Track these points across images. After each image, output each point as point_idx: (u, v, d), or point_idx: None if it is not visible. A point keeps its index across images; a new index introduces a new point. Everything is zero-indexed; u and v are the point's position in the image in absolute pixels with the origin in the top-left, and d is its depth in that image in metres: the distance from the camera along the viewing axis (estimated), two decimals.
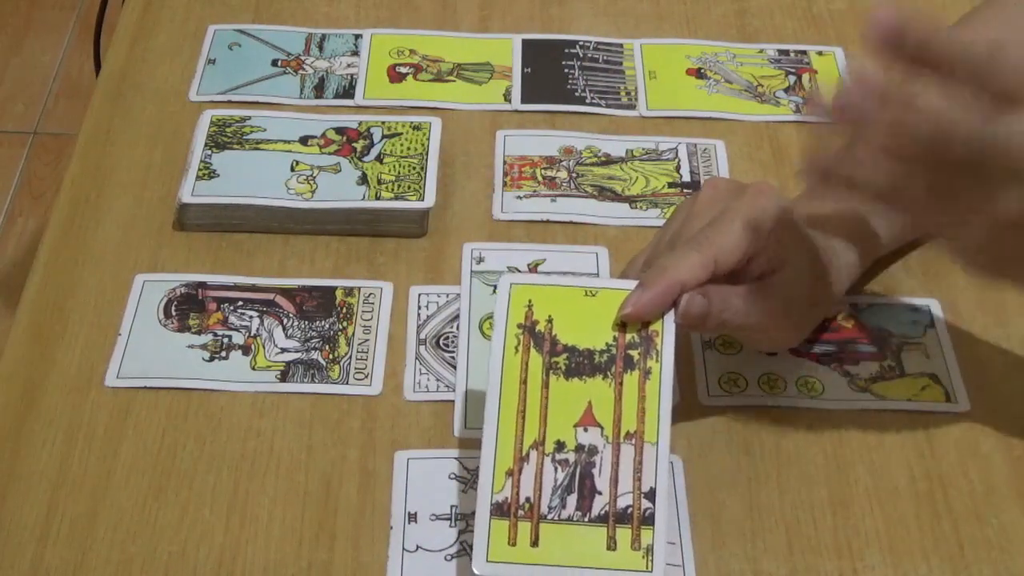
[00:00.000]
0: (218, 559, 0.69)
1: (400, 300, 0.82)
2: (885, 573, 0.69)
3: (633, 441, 0.66)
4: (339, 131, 0.92)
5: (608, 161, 0.92)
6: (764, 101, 0.97)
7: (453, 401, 0.77)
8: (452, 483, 0.73)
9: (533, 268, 0.84)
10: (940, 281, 0.84)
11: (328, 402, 0.77)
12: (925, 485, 0.73)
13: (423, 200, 0.86)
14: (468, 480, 0.73)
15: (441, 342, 0.80)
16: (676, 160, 0.92)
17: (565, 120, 0.95)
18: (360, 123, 0.92)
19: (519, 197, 0.89)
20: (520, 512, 0.65)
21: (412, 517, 0.71)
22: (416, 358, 0.79)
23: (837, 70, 0.99)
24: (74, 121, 2.16)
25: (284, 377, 0.78)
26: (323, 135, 0.91)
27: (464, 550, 0.69)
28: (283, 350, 0.79)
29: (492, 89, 0.97)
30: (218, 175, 0.88)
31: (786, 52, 1.01)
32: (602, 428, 0.67)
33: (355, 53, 1.00)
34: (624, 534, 0.65)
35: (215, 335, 0.80)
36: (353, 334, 0.80)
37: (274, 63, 0.99)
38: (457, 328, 0.81)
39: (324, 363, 0.78)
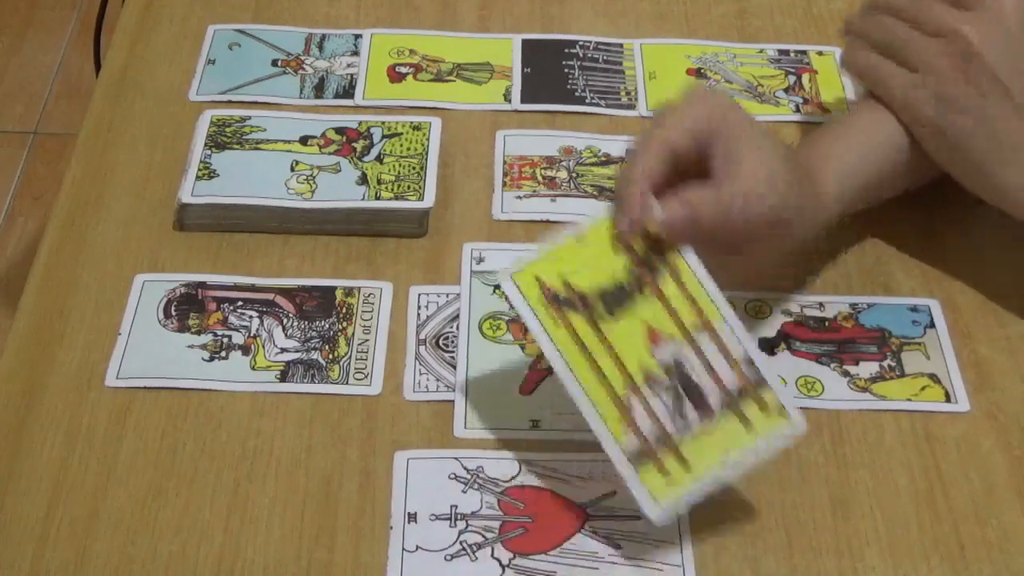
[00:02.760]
0: (218, 559, 0.69)
1: (400, 300, 0.82)
2: (885, 573, 0.69)
3: (704, 330, 0.69)
4: (339, 131, 0.92)
5: (608, 161, 0.92)
6: (764, 101, 0.97)
7: (453, 401, 0.77)
8: (452, 483, 0.73)
9: None
10: (940, 281, 0.84)
11: (328, 402, 0.77)
12: (925, 485, 0.73)
13: (423, 200, 0.86)
14: (468, 480, 0.73)
15: (441, 342, 0.80)
16: None
17: (565, 120, 0.95)
18: (360, 123, 0.92)
19: (519, 197, 0.89)
20: (656, 448, 0.68)
21: (412, 517, 0.71)
22: (416, 358, 0.79)
23: (837, 70, 0.99)
24: (74, 121, 2.16)
25: (284, 377, 0.78)
26: (323, 135, 0.91)
27: (464, 550, 0.69)
28: (283, 350, 0.79)
29: (492, 89, 0.97)
30: (218, 175, 0.88)
31: (786, 52, 1.01)
32: (672, 337, 0.69)
33: (355, 53, 1.00)
34: (750, 407, 0.69)
35: (215, 335, 0.80)
36: (353, 334, 0.80)
37: (274, 63, 0.99)
38: (457, 328, 0.81)
39: (324, 363, 0.78)
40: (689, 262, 0.71)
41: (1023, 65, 0.78)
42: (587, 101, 0.96)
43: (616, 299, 0.69)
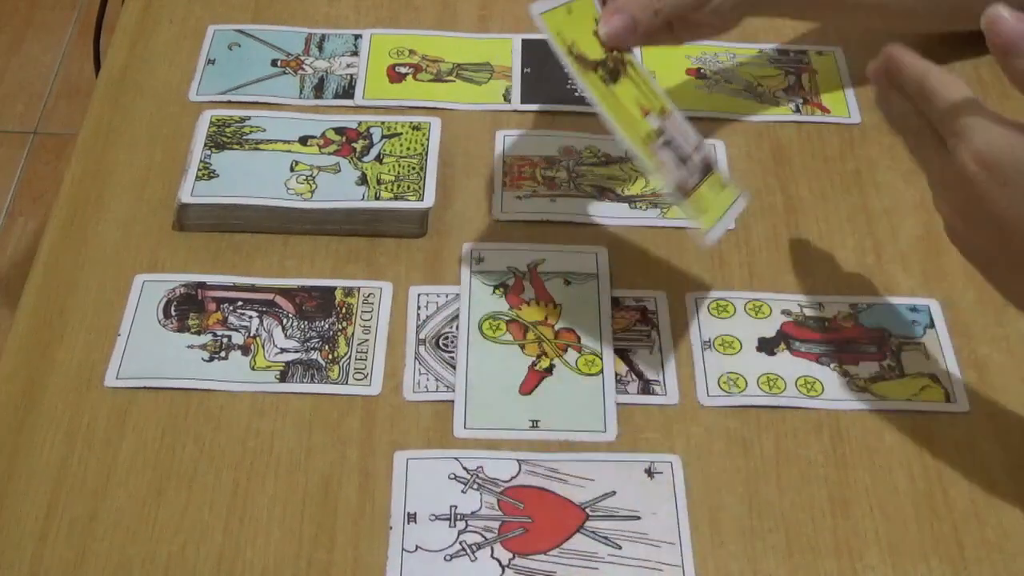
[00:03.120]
0: (218, 559, 0.69)
1: (400, 300, 0.82)
2: (885, 573, 0.69)
3: (665, 115, 0.78)
4: (339, 131, 0.92)
5: (608, 161, 0.92)
6: (764, 101, 0.97)
7: (452, 401, 0.77)
8: (452, 483, 0.73)
9: (533, 268, 0.84)
10: (940, 281, 0.84)
11: (328, 402, 0.77)
12: (925, 485, 0.73)
13: (423, 200, 0.86)
14: (468, 480, 0.73)
15: (441, 342, 0.80)
16: None
17: (565, 120, 0.95)
18: (360, 123, 0.92)
19: (519, 197, 0.89)
20: (688, 187, 0.75)
21: (412, 517, 0.71)
22: (416, 358, 0.79)
23: (837, 70, 0.99)
24: (74, 121, 2.16)
25: (283, 377, 0.78)
26: (323, 135, 0.91)
27: (464, 550, 0.69)
28: (283, 350, 0.79)
29: (492, 89, 0.97)
30: (218, 175, 0.88)
31: (786, 52, 1.01)
32: (652, 111, 0.77)
33: (355, 53, 1.00)
34: (713, 177, 0.78)
35: (215, 335, 0.80)
36: (352, 334, 0.80)
37: (274, 63, 0.99)
38: (457, 328, 0.81)
39: (324, 363, 0.78)
40: (635, 60, 0.78)
41: None
42: (587, 101, 0.96)
43: (610, 71, 0.76)
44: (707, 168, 0.78)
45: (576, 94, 0.97)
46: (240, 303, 0.82)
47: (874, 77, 0.71)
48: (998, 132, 0.65)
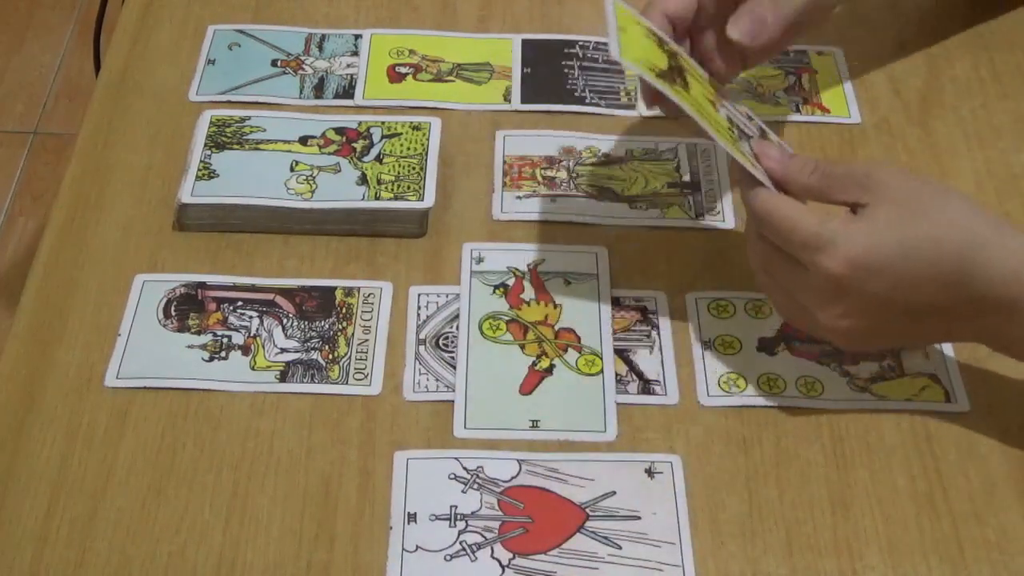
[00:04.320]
0: (218, 559, 0.69)
1: (400, 300, 0.82)
2: (885, 573, 0.69)
3: (720, 96, 0.80)
4: (339, 131, 0.92)
5: (608, 161, 0.92)
6: (764, 101, 0.97)
7: (452, 401, 0.77)
8: (452, 483, 0.73)
9: (533, 268, 0.84)
10: None
11: (328, 402, 0.77)
12: (925, 485, 0.73)
13: (423, 200, 0.86)
14: (468, 480, 0.73)
15: (441, 342, 0.80)
16: (676, 160, 0.92)
17: (565, 120, 0.95)
18: (360, 123, 0.92)
19: (519, 197, 0.89)
20: None
21: (412, 517, 0.71)
22: (416, 358, 0.79)
23: (837, 70, 0.99)
24: (74, 121, 2.16)
25: (284, 377, 0.78)
26: (323, 135, 0.91)
27: (464, 550, 0.69)
28: (283, 350, 0.79)
29: (492, 89, 0.97)
30: (218, 175, 0.88)
31: (786, 52, 1.01)
32: (718, 102, 0.79)
33: (355, 53, 1.00)
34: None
35: (215, 335, 0.80)
36: (353, 334, 0.80)
37: (274, 63, 0.99)
38: (457, 328, 0.81)
39: (324, 363, 0.78)
40: (681, 50, 0.80)
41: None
42: (587, 101, 0.96)
43: (681, 75, 0.77)
44: (763, 134, 0.79)
45: (576, 94, 0.97)
46: (240, 303, 0.82)
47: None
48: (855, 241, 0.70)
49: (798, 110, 0.96)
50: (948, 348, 0.80)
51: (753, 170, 0.74)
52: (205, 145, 0.90)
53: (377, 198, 0.86)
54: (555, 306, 0.82)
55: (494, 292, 0.83)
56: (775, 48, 0.85)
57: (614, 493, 0.72)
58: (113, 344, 0.79)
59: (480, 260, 0.85)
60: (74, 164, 0.91)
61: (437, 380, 0.78)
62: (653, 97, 0.79)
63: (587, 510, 0.72)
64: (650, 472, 0.73)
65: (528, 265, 0.85)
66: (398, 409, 0.76)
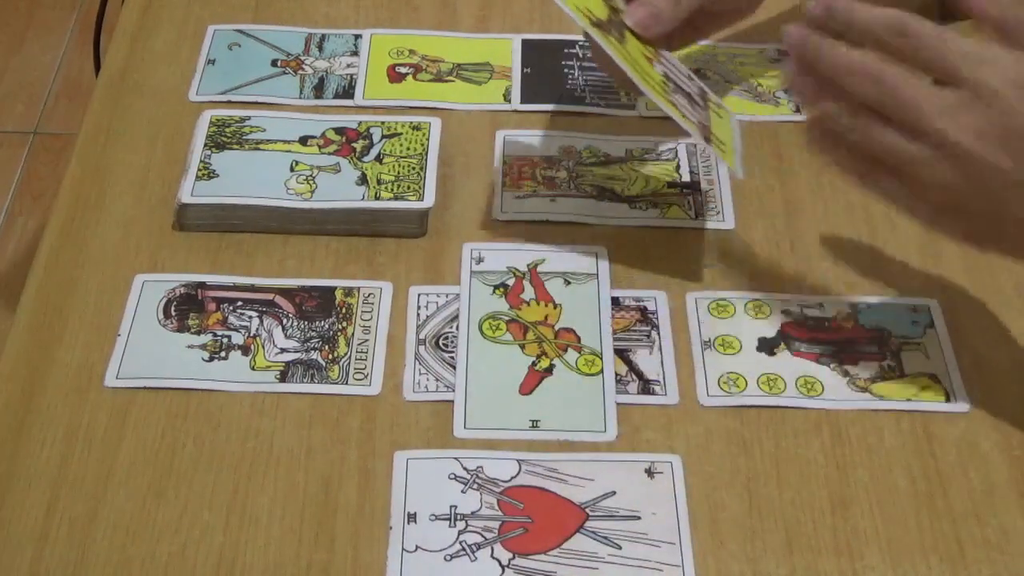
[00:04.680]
0: (217, 559, 0.69)
1: (400, 300, 0.82)
2: (885, 573, 0.69)
3: (659, 57, 0.83)
4: (339, 131, 0.92)
5: (608, 161, 0.92)
6: (764, 101, 0.97)
7: (452, 401, 0.77)
8: (452, 483, 0.73)
9: (533, 268, 0.84)
10: (940, 281, 0.84)
11: (327, 402, 0.77)
12: (925, 485, 0.73)
13: (423, 200, 0.86)
14: (468, 480, 0.73)
15: (440, 342, 0.80)
16: (676, 160, 0.92)
17: (565, 120, 0.95)
18: (360, 123, 0.92)
19: (519, 197, 0.89)
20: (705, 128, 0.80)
21: (412, 517, 0.71)
22: (415, 358, 0.79)
23: None
24: (74, 121, 2.16)
25: (283, 377, 0.78)
26: (323, 135, 0.91)
27: (464, 550, 0.69)
28: (282, 350, 0.79)
29: (492, 89, 0.97)
30: (218, 175, 0.88)
31: (786, 52, 1.01)
32: (655, 58, 0.81)
33: (355, 53, 1.00)
34: (712, 105, 0.84)
35: (214, 335, 0.80)
36: (352, 334, 0.80)
37: (274, 63, 0.99)
38: (457, 328, 0.81)
39: (323, 363, 0.78)
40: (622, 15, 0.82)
41: None
42: (587, 101, 0.96)
43: (617, 26, 0.80)
44: (704, 97, 0.82)
45: (576, 94, 0.97)
46: (240, 303, 0.82)
47: (800, 65, 0.73)
48: (1009, 56, 0.67)
49: (798, 110, 0.96)
50: (948, 348, 0.80)
51: (681, 121, 0.77)
52: (205, 145, 0.90)
53: (377, 198, 0.86)
54: (555, 306, 0.82)
55: (494, 292, 0.83)
56: (693, 36, 0.87)
57: (614, 493, 0.72)
58: (113, 344, 0.79)
59: (480, 260, 0.85)
60: (74, 164, 0.91)
61: (437, 380, 0.78)
62: (601, 57, 0.81)
63: (587, 510, 0.72)
64: (650, 472, 0.73)
65: (528, 265, 0.85)
66: (398, 409, 0.76)
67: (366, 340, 0.80)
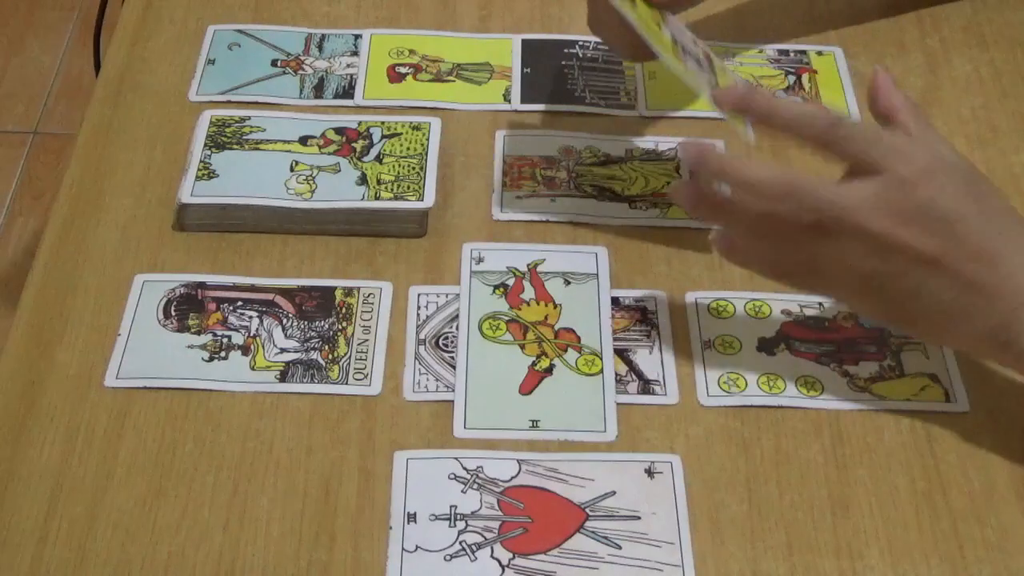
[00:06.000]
0: (217, 559, 0.69)
1: (400, 300, 0.82)
2: (885, 573, 0.69)
3: (666, 20, 0.83)
4: (338, 131, 0.92)
5: (608, 161, 0.92)
6: None
7: (452, 401, 0.77)
8: (452, 483, 0.73)
9: (533, 268, 0.84)
10: None
11: (327, 402, 0.77)
12: (925, 485, 0.73)
13: (423, 200, 0.86)
14: (468, 480, 0.73)
15: (440, 342, 0.80)
16: (676, 160, 0.92)
17: (565, 120, 0.95)
18: (360, 123, 0.92)
19: (519, 197, 0.89)
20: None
21: (411, 517, 0.71)
22: (415, 358, 0.79)
23: (837, 70, 0.99)
24: (74, 121, 2.16)
25: (283, 377, 0.78)
26: (322, 135, 0.91)
27: (464, 550, 0.69)
28: (282, 350, 0.79)
29: (492, 89, 0.97)
30: (218, 175, 0.88)
31: (786, 52, 1.01)
32: (661, 22, 0.82)
33: (355, 53, 1.00)
34: (719, 68, 0.85)
35: (214, 335, 0.80)
36: (352, 334, 0.80)
37: (274, 63, 0.99)
38: (457, 328, 0.81)
39: (323, 363, 0.78)
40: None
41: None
42: (587, 101, 0.96)
43: None
44: (709, 61, 0.81)
45: (576, 94, 0.97)
46: (240, 303, 0.82)
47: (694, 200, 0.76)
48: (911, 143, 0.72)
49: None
50: (948, 348, 0.80)
51: (694, 85, 0.79)
52: (205, 145, 0.90)
53: (377, 198, 0.86)
54: (555, 306, 0.82)
55: (494, 292, 0.83)
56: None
57: (614, 493, 0.72)
58: (113, 344, 0.79)
59: (480, 260, 0.85)
60: (74, 164, 0.91)
61: (437, 380, 0.78)
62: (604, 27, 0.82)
63: (587, 510, 0.72)
64: (650, 472, 0.73)
65: (528, 265, 0.85)
66: (398, 409, 0.76)
67: (366, 340, 0.80)
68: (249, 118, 0.92)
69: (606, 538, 0.70)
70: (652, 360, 0.79)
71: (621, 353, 0.80)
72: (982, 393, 0.78)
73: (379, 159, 0.89)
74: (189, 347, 0.79)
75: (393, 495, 0.72)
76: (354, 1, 1.05)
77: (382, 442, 0.75)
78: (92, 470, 0.73)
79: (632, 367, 0.79)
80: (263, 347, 0.79)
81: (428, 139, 0.90)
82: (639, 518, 0.71)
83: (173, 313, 0.81)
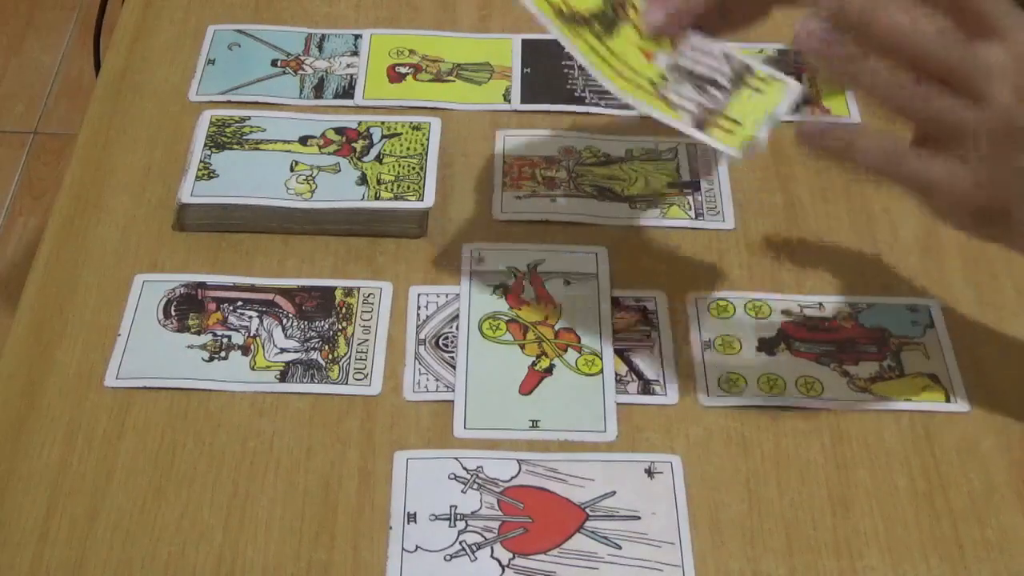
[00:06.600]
0: (217, 559, 0.69)
1: (400, 300, 0.82)
2: (885, 573, 0.69)
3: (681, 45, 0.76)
4: (338, 131, 0.92)
5: (608, 161, 0.92)
6: None
7: (452, 401, 0.77)
8: (452, 483, 0.73)
9: (533, 268, 0.84)
10: (940, 281, 0.84)
11: (327, 402, 0.77)
12: (925, 485, 0.73)
13: (423, 200, 0.86)
14: (468, 480, 0.73)
15: (440, 342, 0.80)
16: (676, 160, 0.92)
17: (565, 120, 0.95)
18: (360, 123, 0.92)
19: (519, 197, 0.89)
20: (709, 117, 0.73)
21: (411, 517, 0.71)
22: (415, 358, 0.79)
23: None
24: (74, 121, 2.16)
25: (283, 377, 0.78)
26: (322, 135, 0.91)
27: (464, 550, 0.69)
28: (282, 350, 0.79)
29: (492, 89, 0.97)
30: (218, 175, 0.88)
31: (786, 52, 1.01)
32: (659, 49, 0.75)
33: (355, 53, 1.00)
34: (753, 81, 0.76)
35: (214, 335, 0.80)
36: (352, 334, 0.80)
37: (274, 63, 0.99)
38: (457, 328, 0.81)
39: (323, 363, 0.78)
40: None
41: None
42: (587, 101, 0.96)
43: (607, 22, 0.74)
44: (741, 76, 0.75)
45: (576, 94, 0.97)
46: (240, 303, 0.82)
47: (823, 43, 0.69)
48: None
49: (798, 110, 0.96)
50: (948, 348, 0.80)
51: (663, 116, 0.72)
52: (205, 145, 0.90)
53: (377, 198, 0.86)
54: (555, 306, 0.82)
55: (494, 292, 0.83)
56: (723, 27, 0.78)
57: (614, 493, 0.72)
58: (113, 344, 0.79)
59: (480, 260, 0.85)
60: (74, 164, 0.91)
61: (437, 380, 0.78)
62: None
63: (587, 510, 0.72)
64: (650, 472, 0.73)
65: (528, 265, 0.85)
66: (398, 409, 0.76)
67: (366, 340, 0.80)
68: (249, 118, 0.92)
69: (606, 538, 0.70)
70: (652, 360, 0.79)
71: (621, 353, 0.80)
72: (982, 393, 0.78)
73: (379, 159, 0.89)
74: (189, 347, 0.79)
75: (393, 495, 0.72)
76: (354, 1, 1.05)
77: (382, 442, 0.75)
78: (92, 470, 0.73)
79: (632, 367, 0.79)
80: (263, 347, 0.79)
81: (428, 139, 0.90)
82: (639, 518, 0.71)
83: (173, 313, 0.81)
